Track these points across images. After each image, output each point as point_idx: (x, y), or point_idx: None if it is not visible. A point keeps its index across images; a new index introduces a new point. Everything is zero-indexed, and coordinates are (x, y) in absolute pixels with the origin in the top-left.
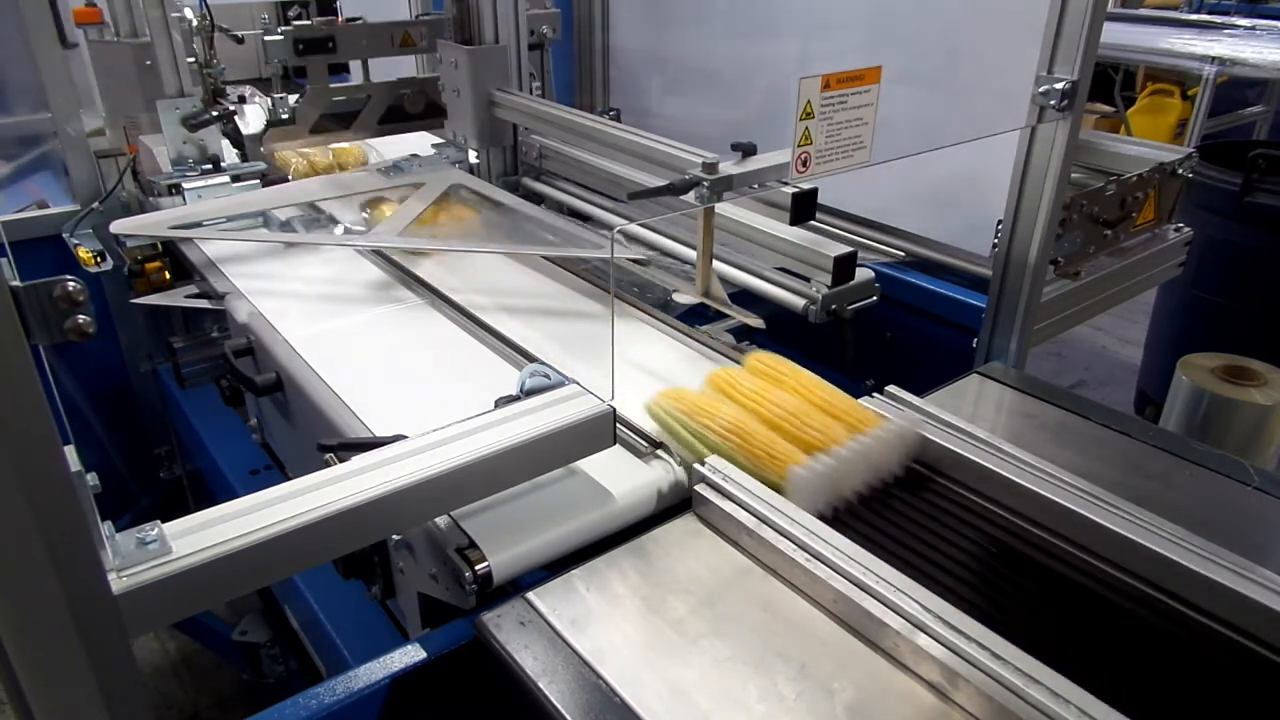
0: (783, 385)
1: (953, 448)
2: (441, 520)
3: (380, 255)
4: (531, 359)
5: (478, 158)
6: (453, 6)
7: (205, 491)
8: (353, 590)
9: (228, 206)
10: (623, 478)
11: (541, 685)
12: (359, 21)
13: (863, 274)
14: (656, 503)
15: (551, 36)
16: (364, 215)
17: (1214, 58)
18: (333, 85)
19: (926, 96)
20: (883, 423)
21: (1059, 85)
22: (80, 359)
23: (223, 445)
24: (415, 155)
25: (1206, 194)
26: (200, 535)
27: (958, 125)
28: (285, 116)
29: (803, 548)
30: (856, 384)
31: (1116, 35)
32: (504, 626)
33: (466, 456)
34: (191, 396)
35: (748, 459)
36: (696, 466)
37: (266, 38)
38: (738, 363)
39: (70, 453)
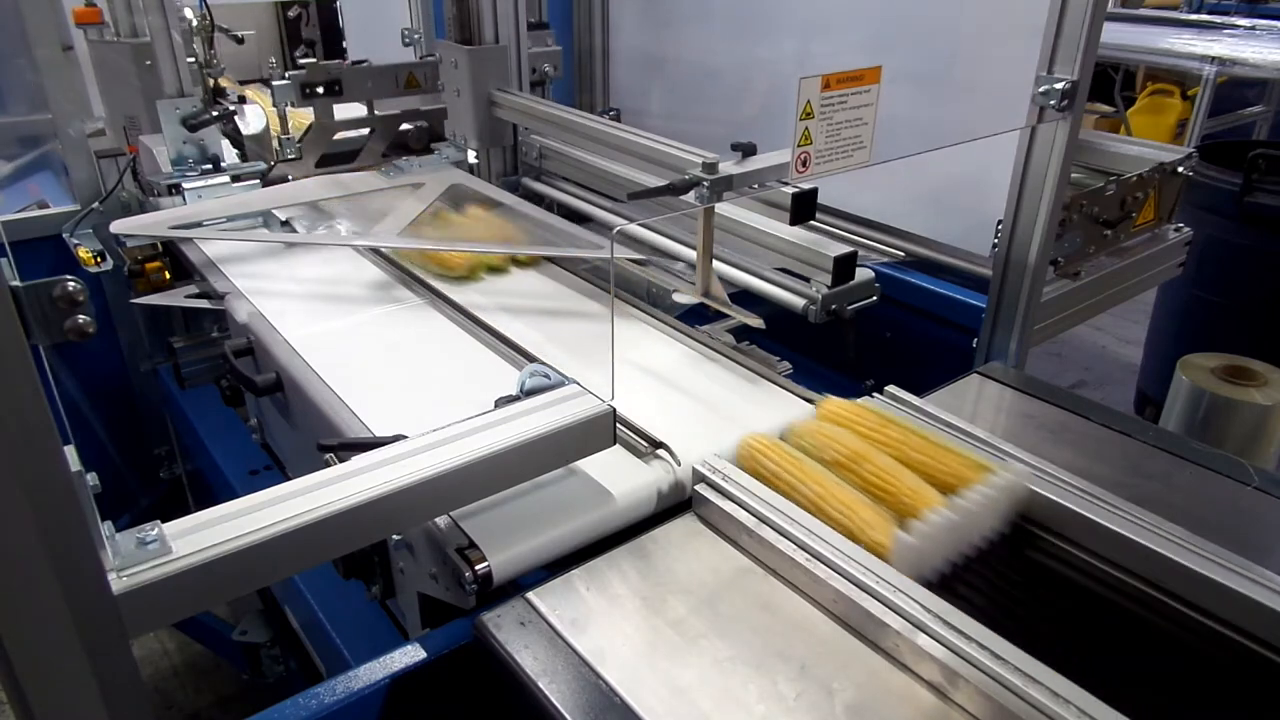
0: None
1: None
2: (441, 520)
3: (380, 255)
4: (531, 359)
5: (478, 158)
6: (453, 6)
7: (205, 491)
8: (353, 590)
9: (228, 206)
10: (623, 478)
11: (541, 685)
12: (364, 64)
13: (863, 274)
14: (656, 503)
15: (553, 75)
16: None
17: (1214, 58)
18: (338, 120)
19: (926, 96)
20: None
21: (1059, 85)
22: (80, 359)
23: (223, 445)
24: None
25: (1206, 194)
26: (200, 535)
27: (958, 125)
28: (293, 157)
29: (803, 548)
30: (856, 384)
31: (1116, 35)
32: (504, 626)
33: (466, 456)
34: (191, 396)
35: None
36: (696, 467)
37: (275, 83)
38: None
39: (70, 453)
